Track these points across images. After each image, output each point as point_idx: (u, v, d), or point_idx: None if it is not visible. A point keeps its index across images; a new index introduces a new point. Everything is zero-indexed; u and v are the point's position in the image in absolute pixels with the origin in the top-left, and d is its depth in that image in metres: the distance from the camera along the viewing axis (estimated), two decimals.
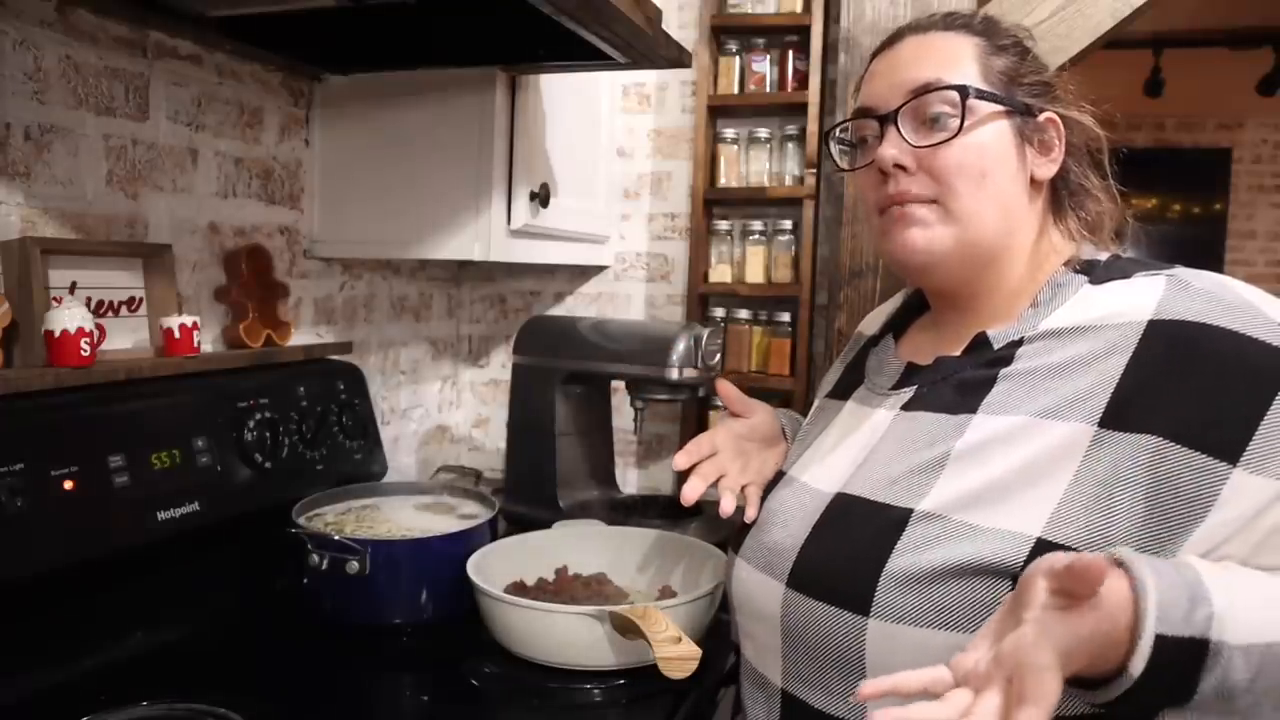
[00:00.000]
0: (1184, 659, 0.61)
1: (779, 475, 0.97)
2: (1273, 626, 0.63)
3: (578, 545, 1.25)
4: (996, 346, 0.83)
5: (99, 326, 1.11)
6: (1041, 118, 0.84)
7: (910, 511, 0.77)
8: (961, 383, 0.83)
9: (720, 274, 1.85)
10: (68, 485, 0.97)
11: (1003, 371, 0.80)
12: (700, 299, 1.86)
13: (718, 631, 1.12)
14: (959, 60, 0.83)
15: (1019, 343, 0.81)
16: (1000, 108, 0.82)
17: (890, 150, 0.82)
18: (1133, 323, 0.75)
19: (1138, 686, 0.61)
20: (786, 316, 1.80)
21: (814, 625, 0.79)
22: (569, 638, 1.01)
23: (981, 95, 0.81)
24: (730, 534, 0.98)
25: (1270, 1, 3.93)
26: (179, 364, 1.18)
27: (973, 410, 0.80)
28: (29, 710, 0.93)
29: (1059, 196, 0.88)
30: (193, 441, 1.14)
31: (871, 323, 1.06)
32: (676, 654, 0.95)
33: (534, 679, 1.02)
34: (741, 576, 0.90)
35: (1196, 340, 0.72)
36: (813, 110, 1.74)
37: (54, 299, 1.07)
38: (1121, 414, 0.72)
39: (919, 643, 0.72)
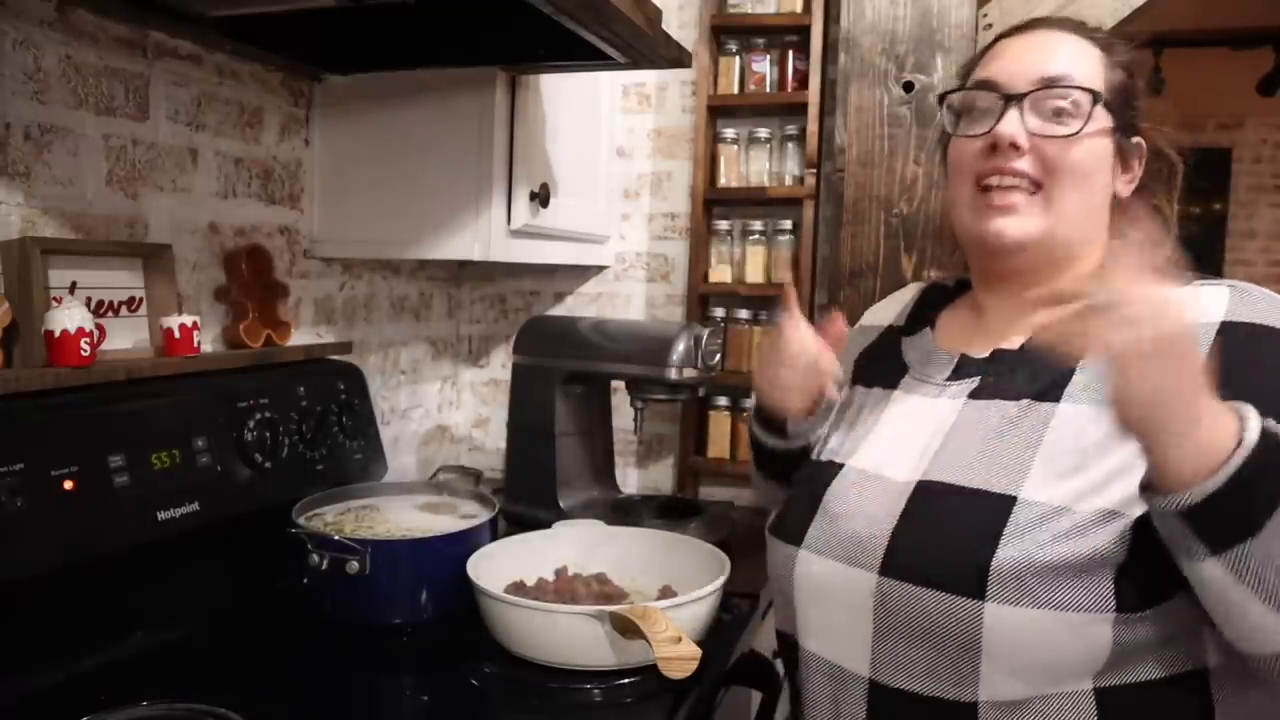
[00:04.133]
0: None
1: (830, 465, 0.95)
2: None
3: (578, 545, 1.25)
4: None
5: (99, 326, 1.11)
6: (1134, 140, 0.89)
7: (1013, 498, 0.78)
8: (1035, 372, 0.85)
9: (720, 274, 1.85)
10: (68, 485, 0.97)
11: (1080, 361, 0.82)
12: (700, 299, 1.86)
13: (718, 631, 1.12)
14: (1088, 64, 0.87)
15: None
16: (1112, 121, 0.87)
17: (1012, 127, 0.85)
18: (1206, 323, 0.80)
19: (1248, 466, 0.64)
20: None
21: (921, 612, 0.79)
22: (569, 638, 1.01)
23: (1107, 105, 0.86)
24: (770, 524, 0.98)
25: (1270, 1, 3.92)
26: (179, 364, 1.18)
27: (1056, 399, 0.82)
28: (29, 710, 0.93)
29: (1129, 214, 0.91)
30: (193, 441, 1.14)
31: (884, 314, 1.08)
32: (676, 654, 0.95)
33: (534, 679, 1.02)
34: (811, 570, 0.89)
35: (1264, 338, 0.79)
36: (813, 110, 1.74)
37: (54, 299, 1.07)
38: None
39: (1037, 623, 0.74)
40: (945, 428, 0.88)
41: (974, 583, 0.76)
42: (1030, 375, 0.86)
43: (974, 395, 0.88)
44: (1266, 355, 0.78)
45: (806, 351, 0.96)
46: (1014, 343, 0.90)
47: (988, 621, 0.75)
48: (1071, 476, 0.78)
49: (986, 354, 0.91)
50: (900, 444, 0.90)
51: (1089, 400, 0.81)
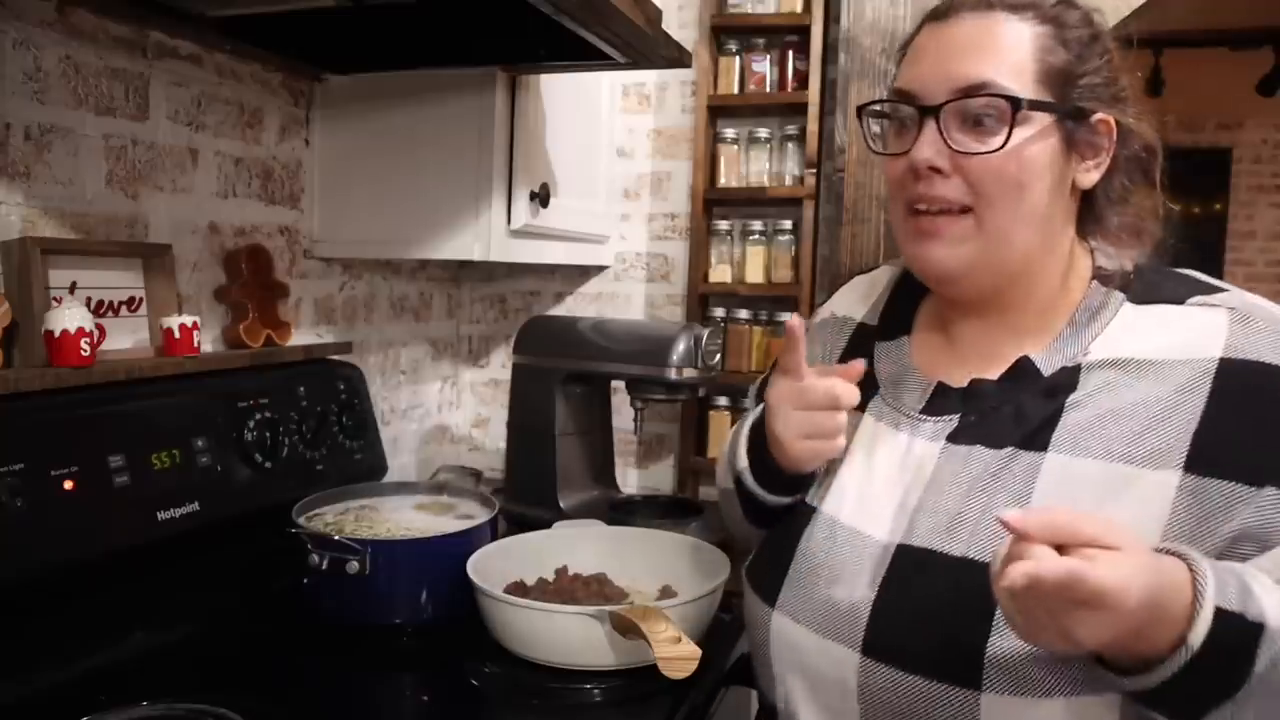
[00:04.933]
0: (1239, 638, 0.61)
1: (806, 509, 0.87)
2: None
3: (578, 545, 1.25)
4: (1047, 374, 0.79)
5: (99, 326, 1.11)
6: (1093, 119, 0.78)
7: None
8: (1020, 413, 0.78)
9: (720, 274, 1.85)
10: (68, 485, 0.97)
11: (1068, 401, 0.76)
12: (700, 299, 1.86)
13: (718, 631, 1.12)
14: (1016, 56, 0.76)
15: (1074, 369, 0.77)
16: (1051, 117, 0.77)
17: (926, 151, 0.77)
18: (1202, 359, 0.73)
19: (1193, 664, 0.61)
20: (786, 316, 1.80)
21: (910, 700, 0.73)
22: (569, 638, 1.01)
23: (1035, 105, 0.76)
24: (747, 566, 0.93)
25: (1270, 1, 3.92)
26: (179, 364, 1.18)
27: (1043, 448, 0.75)
28: (29, 710, 0.93)
29: (1096, 203, 0.82)
30: (193, 441, 1.14)
31: (855, 305, 0.98)
32: (676, 654, 0.95)
33: (534, 679, 1.02)
34: (788, 637, 0.82)
35: (1266, 382, 0.71)
36: (813, 110, 1.74)
37: (54, 299, 1.07)
38: (1206, 458, 0.70)
39: (1038, 712, 0.69)
40: (924, 478, 0.80)
41: (967, 671, 0.70)
42: (1014, 415, 0.78)
43: (952, 438, 0.80)
44: (1267, 405, 0.70)
45: (832, 389, 0.82)
46: (992, 370, 0.82)
47: (985, 713, 0.70)
48: None
49: (964, 383, 0.83)
50: (875, 489, 0.82)
51: (1079, 450, 0.74)
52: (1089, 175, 0.80)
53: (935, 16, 0.82)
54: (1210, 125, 5.18)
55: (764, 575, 0.87)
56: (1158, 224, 0.84)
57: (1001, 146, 0.75)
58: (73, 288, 1.11)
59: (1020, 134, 0.75)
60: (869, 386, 0.88)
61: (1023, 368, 0.80)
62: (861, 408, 0.87)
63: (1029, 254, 0.80)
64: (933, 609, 0.74)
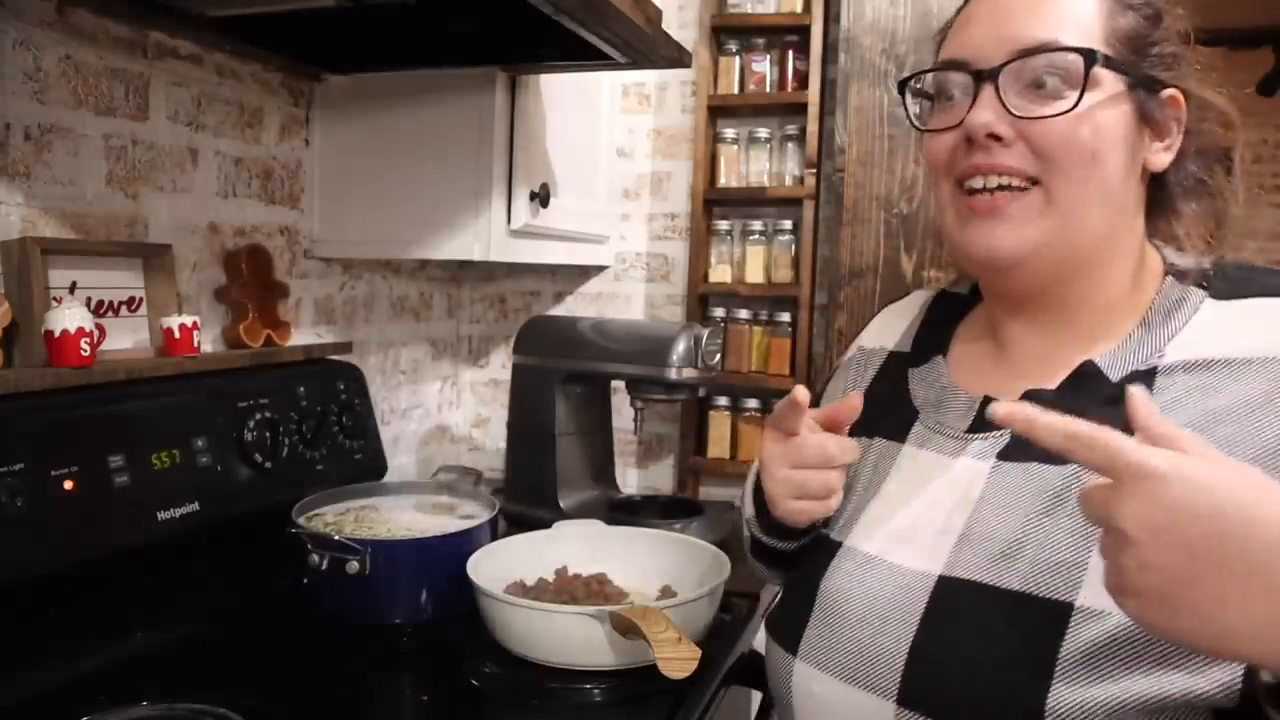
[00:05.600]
0: None
1: (830, 544, 0.79)
2: None
3: (578, 545, 1.25)
4: (1116, 379, 0.69)
5: (99, 326, 1.11)
6: (1164, 95, 0.71)
7: (1069, 605, 0.62)
8: None
9: (720, 274, 1.85)
10: (68, 485, 0.97)
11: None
12: (700, 299, 1.86)
13: (718, 631, 1.12)
14: (1080, 16, 0.69)
15: (1149, 373, 0.68)
16: (1123, 82, 0.69)
17: (985, 115, 0.68)
18: None
19: None
20: (786, 316, 1.80)
21: None
22: (569, 638, 1.01)
23: (1109, 63, 0.68)
24: (768, 615, 0.85)
25: (1270, 1, 3.92)
26: (179, 364, 1.18)
27: None
28: (29, 710, 0.93)
29: (1168, 191, 0.75)
30: (193, 441, 1.14)
31: (886, 335, 0.92)
32: (676, 654, 0.95)
33: (534, 679, 1.02)
34: (812, 689, 0.73)
35: None
36: (812, 110, 1.74)
37: (54, 299, 1.07)
38: None
39: None
40: (971, 500, 0.70)
41: None
42: None
43: (1005, 455, 0.71)
44: None
45: (824, 447, 0.76)
46: (1050, 380, 0.72)
47: None
48: None
49: (1016, 397, 0.72)
50: (913, 519, 0.73)
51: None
52: (1160, 157, 0.73)
53: None
54: None
55: (785, 620, 0.79)
56: (1235, 220, 0.77)
57: (1073, 107, 0.67)
58: (73, 288, 1.11)
59: (1091, 97, 0.68)
60: (906, 414, 0.82)
61: (1086, 373, 0.71)
62: (900, 437, 0.81)
63: (1099, 239, 0.71)
64: (981, 652, 0.64)
